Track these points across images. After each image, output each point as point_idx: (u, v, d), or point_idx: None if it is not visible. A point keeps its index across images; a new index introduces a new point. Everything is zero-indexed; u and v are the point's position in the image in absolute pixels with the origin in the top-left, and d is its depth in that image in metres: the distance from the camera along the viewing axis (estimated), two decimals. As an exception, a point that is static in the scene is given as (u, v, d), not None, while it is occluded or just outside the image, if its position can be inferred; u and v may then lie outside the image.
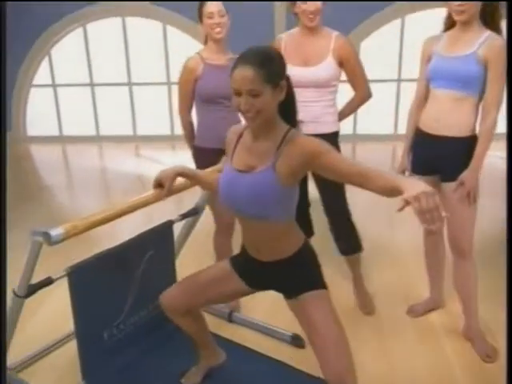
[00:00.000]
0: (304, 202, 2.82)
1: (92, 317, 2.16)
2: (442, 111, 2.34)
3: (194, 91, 2.72)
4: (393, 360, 2.43)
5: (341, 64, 2.61)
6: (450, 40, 2.34)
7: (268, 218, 1.68)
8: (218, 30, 2.64)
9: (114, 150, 6.98)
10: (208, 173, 2.07)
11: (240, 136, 1.78)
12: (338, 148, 2.47)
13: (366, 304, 2.85)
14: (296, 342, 2.53)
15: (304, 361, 2.29)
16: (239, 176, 1.69)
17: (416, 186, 1.34)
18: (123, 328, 2.34)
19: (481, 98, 2.30)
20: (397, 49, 6.80)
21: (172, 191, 1.96)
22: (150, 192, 1.95)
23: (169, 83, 7.14)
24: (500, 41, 2.20)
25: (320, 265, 1.82)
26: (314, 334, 1.69)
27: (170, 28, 6.89)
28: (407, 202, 1.32)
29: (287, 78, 1.65)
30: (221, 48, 2.72)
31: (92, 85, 7.31)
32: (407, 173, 2.57)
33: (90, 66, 7.21)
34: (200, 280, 1.95)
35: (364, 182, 1.48)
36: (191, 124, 2.86)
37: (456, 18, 2.25)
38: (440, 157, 2.39)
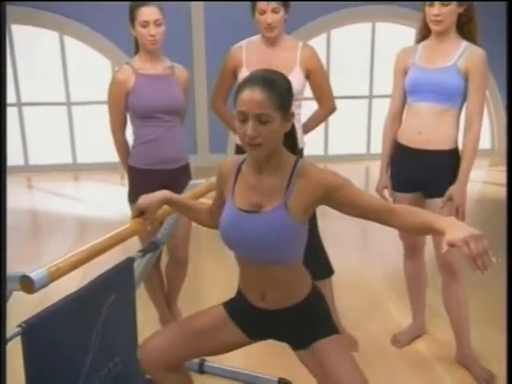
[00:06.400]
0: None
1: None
2: (424, 124, 2.24)
3: (126, 106, 2.39)
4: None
5: (307, 76, 2.44)
6: (427, 51, 2.26)
7: (282, 262, 1.47)
8: (152, 41, 2.32)
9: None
10: (197, 201, 1.80)
11: (238, 170, 1.53)
12: None
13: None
14: (285, 388, 2.20)
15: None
16: (245, 217, 1.46)
17: (460, 227, 1.25)
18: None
19: (461, 110, 2.24)
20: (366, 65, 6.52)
21: (156, 219, 1.76)
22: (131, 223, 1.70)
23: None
24: (479, 51, 2.16)
25: (329, 308, 1.62)
26: None
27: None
28: (452, 245, 1.21)
29: None
30: (155, 56, 2.40)
31: (20, 104, 6.31)
32: (388, 190, 2.42)
33: (16, 82, 6.22)
34: (190, 329, 1.63)
35: (390, 217, 1.38)
36: (126, 144, 2.51)
37: (433, 27, 2.19)
38: (423, 171, 2.28)
